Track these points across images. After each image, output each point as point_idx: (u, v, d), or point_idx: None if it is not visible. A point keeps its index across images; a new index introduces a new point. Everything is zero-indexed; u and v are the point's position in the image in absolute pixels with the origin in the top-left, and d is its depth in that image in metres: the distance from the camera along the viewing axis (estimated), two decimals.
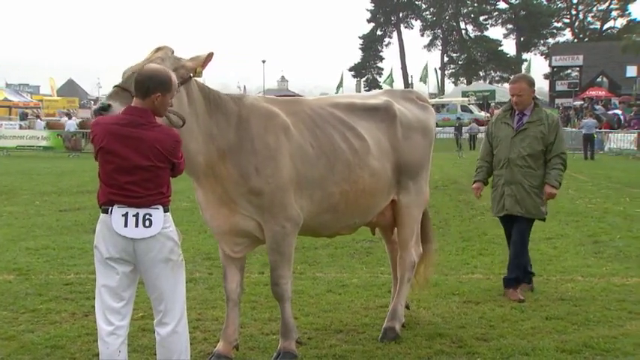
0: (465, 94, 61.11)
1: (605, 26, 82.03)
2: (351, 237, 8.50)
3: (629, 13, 78.94)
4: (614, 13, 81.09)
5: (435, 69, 57.10)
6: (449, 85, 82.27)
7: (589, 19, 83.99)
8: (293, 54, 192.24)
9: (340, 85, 59.07)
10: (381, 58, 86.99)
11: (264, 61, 72.54)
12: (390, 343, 5.50)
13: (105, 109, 4.21)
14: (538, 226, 11.14)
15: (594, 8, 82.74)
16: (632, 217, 12.10)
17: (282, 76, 78.20)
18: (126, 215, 4.00)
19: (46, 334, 5.76)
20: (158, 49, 4.64)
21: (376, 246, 8.99)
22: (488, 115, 52.58)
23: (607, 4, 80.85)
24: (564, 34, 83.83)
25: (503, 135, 7.01)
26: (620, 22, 79.81)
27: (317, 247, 9.12)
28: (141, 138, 4.02)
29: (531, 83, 7.13)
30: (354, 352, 5.31)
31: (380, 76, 79.34)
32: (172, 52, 4.66)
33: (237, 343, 5.25)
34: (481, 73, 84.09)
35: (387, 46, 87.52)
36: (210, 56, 4.76)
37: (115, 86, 4.42)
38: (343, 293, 7.09)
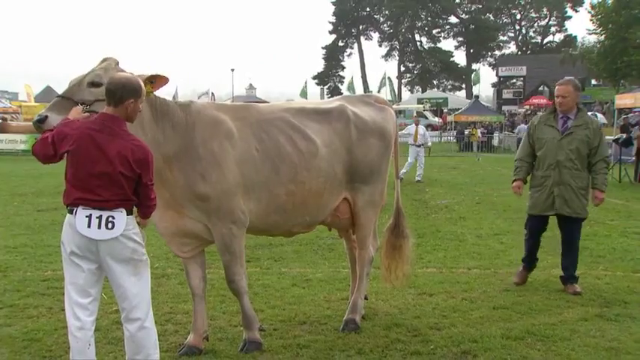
0: (420, 101, 61.52)
1: (546, 40, 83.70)
2: (314, 234, 8.50)
3: (566, 29, 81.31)
4: (552, 29, 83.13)
5: (390, 78, 57.30)
6: (405, 93, 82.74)
7: (531, 33, 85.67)
8: (260, 63, 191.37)
9: (304, 92, 58.85)
10: (343, 67, 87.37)
11: (232, 70, 72.60)
12: (350, 333, 5.49)
13: (42, 121, 4.16)
14: (487, 223, 11.35)
15: (535, 24, 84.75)
16: None
17: (250, 84, 77.75)
18: (89, 217, 3.93)
19: (24, 327, 5.64)
20: (104, 60, 4.57)
21: (338, 243, 8.97)
22: (441, 120, 53.13)
23: (547, 20, 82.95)
24: (509, 47, 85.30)
25: (548, 137, 6.83)
26: (559, 37, 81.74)
27: (282, 244, 9.08)
28: (111, 145, 3.95)
29: (577, 87, 6.91)
30: (316, 342, 5.29)
31: (342, 84, 79.51)
32: (117, 64, 4.55)
33: (207, 335, 5.20)
34: (435, 82, 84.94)
35: (348, 56, 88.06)
36: (162, 79, 4.63)
37: (57, 96, 4.35)
38: (307, 287, 7.07)
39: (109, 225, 3.96)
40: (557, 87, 6.97)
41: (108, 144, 3.96)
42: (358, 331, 5.53)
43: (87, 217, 3.94)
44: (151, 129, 4.68)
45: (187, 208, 4.89)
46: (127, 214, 4.03)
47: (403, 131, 21.80)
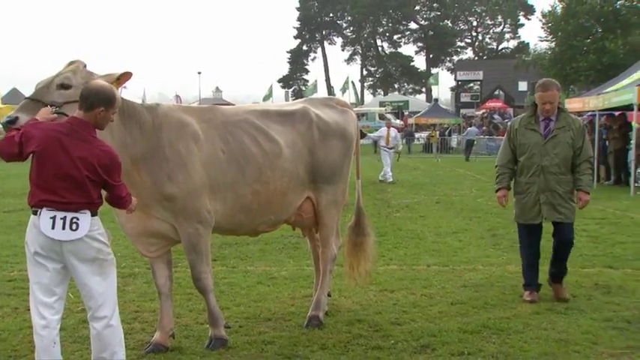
0: (382, 104, 61.88)
1: (501, 46, 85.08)
2: (279, 233, 8.48)
3: (519, 36, 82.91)
4: (507, 36, 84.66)
5: (352, 81, 57.63)
6: (368, 96, 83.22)
7: (487, 39, 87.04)
8: (227, 66, 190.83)
9: (270, 95, 58.67)
10: (307, 71, 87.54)
11: (199, 73, 71.82)
12: (314, 329, 5.49)
13: (12, 122, 4.09)
14: (446, 222, 11.46)
15: (491, 31, 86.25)
16: None
17: (217, 87, 77.40)
18: (54, 218, 3.86)
19: None
20: (71, 63, 4.50)
21: (303, 241, 8.92)
22: (403, 122, 53.52)
23: (501, 27, 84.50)
24: (467, 52, 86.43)
25: (532, 142, 6.29)
26: (513, 43, 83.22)
27: (248, 243, 9.04)
28: (78, 149, 3.89)
29: (559, 89, 6.36)
30: (280, 338, 5.28)
31: (306, 87, 79.65)
32: (84, 66, 4.49)
33: (173, 332, 5.15)
34: (396, 85, 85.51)
35: (312, 60, 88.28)
36: (127, 75, 4.59)
37: (26, 98, 4.29)
38: (272, 285, 7.05)
39: (74, 226, 3.89)
40: (540, 93, 6.24)
41: (74, 148, 3.89)
42: (321, 327, 5.53)
43: (51, 218, 3.87)
44: (119, 131, 4.62)
45: (154, 208, 4.84)
46: (92, 216, 3.97)
47: (375, 134, 21.74)
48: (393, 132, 20.22)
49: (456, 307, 6.11)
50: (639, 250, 8.68)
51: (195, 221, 4.90)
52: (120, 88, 4.72)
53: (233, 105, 6.91)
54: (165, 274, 5.15)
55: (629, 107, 16.76)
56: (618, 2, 39.92)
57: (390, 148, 19.65)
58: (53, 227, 3.88)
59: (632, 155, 16.70)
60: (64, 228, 3.88)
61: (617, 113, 18.75)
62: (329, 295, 6.08)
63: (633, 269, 7.62)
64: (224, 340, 5.10)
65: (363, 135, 22.15)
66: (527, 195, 6.37)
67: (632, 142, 16.53)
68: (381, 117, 51.62)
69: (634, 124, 16.70)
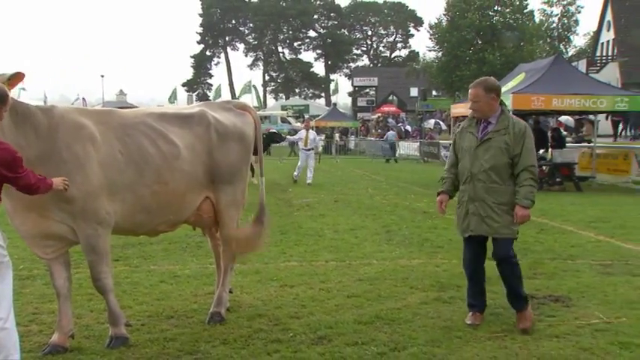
0: (284, 107, 62.10)
1: (393, 54, 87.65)
2: (183, 232, 8.31)
3: (410, 46, 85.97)
4: (399, 45, 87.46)
5: (255, 86, 57.42)
6: (270, 100, 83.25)
7: (381, 48, 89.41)
8: (131, 69, 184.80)
9: (174, 98, 57.45)
10: (211, 75, 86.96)
11: (102, 76, 69.45)
12: (215, 325, 5.41)
13: None
14: (344, 219, 11.62)
15: (384, 40, 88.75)
16: (416, 210, 12.83)
17: (121, 90, 75.03)
18: None
19: None
20: None
21: (206, 240, 8.82)
22: (304, 125, 53.90)
23: (394, 37, 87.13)
24: (363, 60, 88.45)
25: (467, 146, 5.44)
26: (404, 52, 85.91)
27: (152, 243, 8.80)
28: None
29: (489, 88, 5.38)
30: (183, 335, 5.17)
31: (210, 91, 78.69)
32: None
33: (72, 333, 4.93)
34: (297, 90, 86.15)
35: (216, 65, 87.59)
36: (19, 76, 4.38)
37: None
38: (175, 283, 6.90)
39: None
40: (469, 91, 5.56)
41: None
42: (223, 322, 5.47)
43: None
44: (11, 133, 4.37)
45: (51, 210, 4.63)
46: None
47: (295, 136, 21.55)
48: (312, 134, 19.92)
49: (352, 299, 6.19)
50: (515, 243, 9.07)
51: (94, 222, 4.74)
52: (18, 90, 4.49)
53: (137, 108, 6.69)
54: (64, 275, 4.93)
55: None
56: (494, 18, 42.08)
57: (309, 150, 19.39)
58: None
59: None
60: None
61: None
62: (230, 292, 6.02)
63: None
64: (125, 338, 4.95)
65: (282, 138, 22.15)
66: (460, 205, 5.50)
67: None
68: (283, 120, 51.80)
69: None
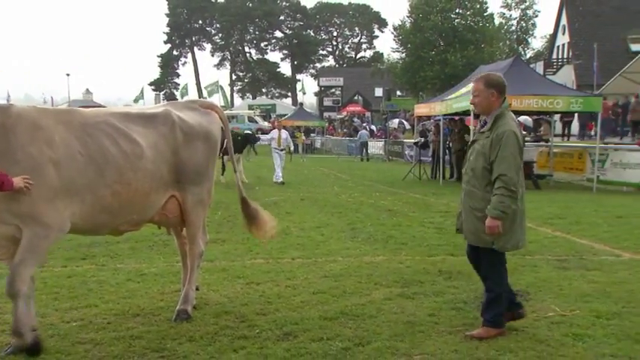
0: (251, 107, 61.83)
1: (359, 55, 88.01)
2: (150, 231, 8.21)
3: (375, 47, 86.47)
4: (364, 46, 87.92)
5: (221, 85, 57.03)
6: (237, 99, 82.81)
7: (346, 49, 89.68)
8: (98, 68, 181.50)
9: (141, 97, 56.67)
10: (178, 75, 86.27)
11: (68, 75, 68.00)
12: (182, 322, 5.35)
13: None
14: (310, 217, 11.62)
15: (350, 41, 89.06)
16: (380, 208, 12.89)
17: (87, 89, 73.76)
18: None
19: None
20: None
21: (173, 239, 8.74)
22: (271, 124, 53.75)
23: (358, 38, 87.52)
24: (328, 60, 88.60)
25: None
26: (369, 53, 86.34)
27: (119, 242, 8.65)
28: None
29: (490, 84, 4.93)
30: (149, 333, 5.10)
31: (177, 91, 77.92)
32: None
33: (36, 332, 4.80)
34: (264, 90, 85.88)
35: (183, 64, 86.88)
36: None
37: None
38: (142, 281, 6.81)
39: None
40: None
41: None
42: (190, 320, 5.41)
43: None
44: None
45: (1, 211, 4.43)
46: None
47: (267, 136, 21.39)
48: (284, 134, 19.90)
49: (317, 296, 6.18)
50: None
51: (42, 224, 4.53)
52: None
53: (104, 107, 6.53)
54: None
55: (466, 113, 17.88)
56: (456, 20, 42.61)
57: (282, 150, 19.34)
58: None
59: None
60: None
61: (457, 118, 19.91)
62: (197, 290, 5.97)
63: None
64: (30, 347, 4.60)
65: (257, 139, 21.96)
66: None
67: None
68: (250, 119, 51.57)
69: (472, 127, 17.78)
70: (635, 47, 38.28)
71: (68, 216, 4.68)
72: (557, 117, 26.21)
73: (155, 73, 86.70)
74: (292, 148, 20.83)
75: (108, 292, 6.32)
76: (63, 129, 4.75)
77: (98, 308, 5.74)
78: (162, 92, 78.85)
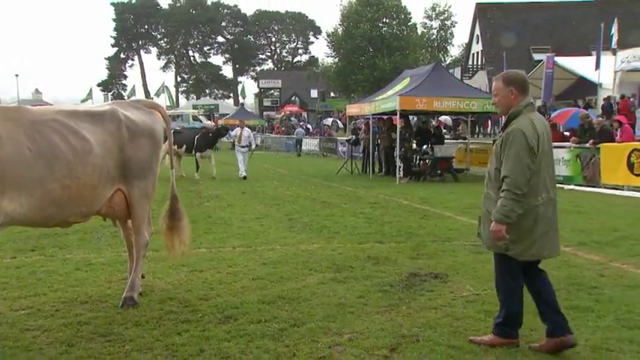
0: (195, 107, 60.81)
1: (295, 59, 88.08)
2: (98, 222, 7.88)
3: (310, 52, 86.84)
4: (300, 50, 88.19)
5: (167, 87, 55.91)
6: (182, 100, 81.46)
7: (284, 53, 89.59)
8: (47, 68, 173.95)
9: (90, 97, 54.81)
10: (125, 76, 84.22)
11: (17, 75, 64.77)
12: (128, 308, 5.22)
13: None
14: (250, 209, 11.55)
15: (287, 46, 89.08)
16: (316, 200, 12.95)
17: (37, 89, 70.85)
18: None
19: None
20: None
21: (119, 230, 8.53)
22: (214, 123, 53.06)
23: (295, 43, 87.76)
24: (268, 64, 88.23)
25: None
26: (305, 57, 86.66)
27: (68, 233, 8.36)
28: None
29: (509, 81, 4.27)
30: (97, 319, 4.95)
31: (125, 92, 75.87)
32: None
33: None
34: (207, 91, 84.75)
35: (130, 66, 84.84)
36: None
37: None
38: (90, 270, 6.61)
39: None
40: None
41: None
42: (136, 306, 5.28)
43: None
44: None
45: None
46: None
47: (231, 134, 20.95)
48: (246, 132, 19.65)
49: (256, 281, 6.14)
50: (401, 228, 9.41)
51: None
52: None
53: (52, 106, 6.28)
54: None
55: (393, 112, 18.18)
56: (383, 29, 43.31)
57: (244, 147, 19.07)
58: None
59: (397, 152, 18.12)
60: None
61: (385, 117, 20.21)
62: (143, 277, 5.83)
63: (396, 243, 8.22)
64: None
65: (227, 131, 21.49)
66: None
67: (397, 141, 17.92)
68: (195, 118, 50.74)
69: (398, 126, 18.10)
70: (537, 56, 39.85)
71: (10, 211, 4.48)
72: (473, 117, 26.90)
73: (103, 74, 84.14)
74: (254, 146, 20.63)
75: (56, 282, 6.10)
76: (11, 125, 4.56)
77: (47, 297, 5.54)
78: (111, 93, 76.61)
